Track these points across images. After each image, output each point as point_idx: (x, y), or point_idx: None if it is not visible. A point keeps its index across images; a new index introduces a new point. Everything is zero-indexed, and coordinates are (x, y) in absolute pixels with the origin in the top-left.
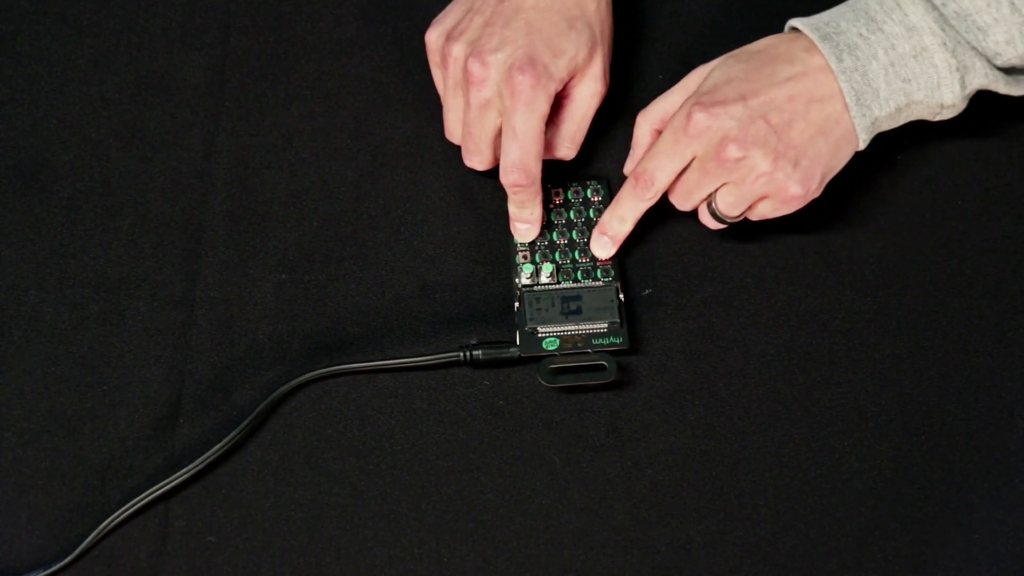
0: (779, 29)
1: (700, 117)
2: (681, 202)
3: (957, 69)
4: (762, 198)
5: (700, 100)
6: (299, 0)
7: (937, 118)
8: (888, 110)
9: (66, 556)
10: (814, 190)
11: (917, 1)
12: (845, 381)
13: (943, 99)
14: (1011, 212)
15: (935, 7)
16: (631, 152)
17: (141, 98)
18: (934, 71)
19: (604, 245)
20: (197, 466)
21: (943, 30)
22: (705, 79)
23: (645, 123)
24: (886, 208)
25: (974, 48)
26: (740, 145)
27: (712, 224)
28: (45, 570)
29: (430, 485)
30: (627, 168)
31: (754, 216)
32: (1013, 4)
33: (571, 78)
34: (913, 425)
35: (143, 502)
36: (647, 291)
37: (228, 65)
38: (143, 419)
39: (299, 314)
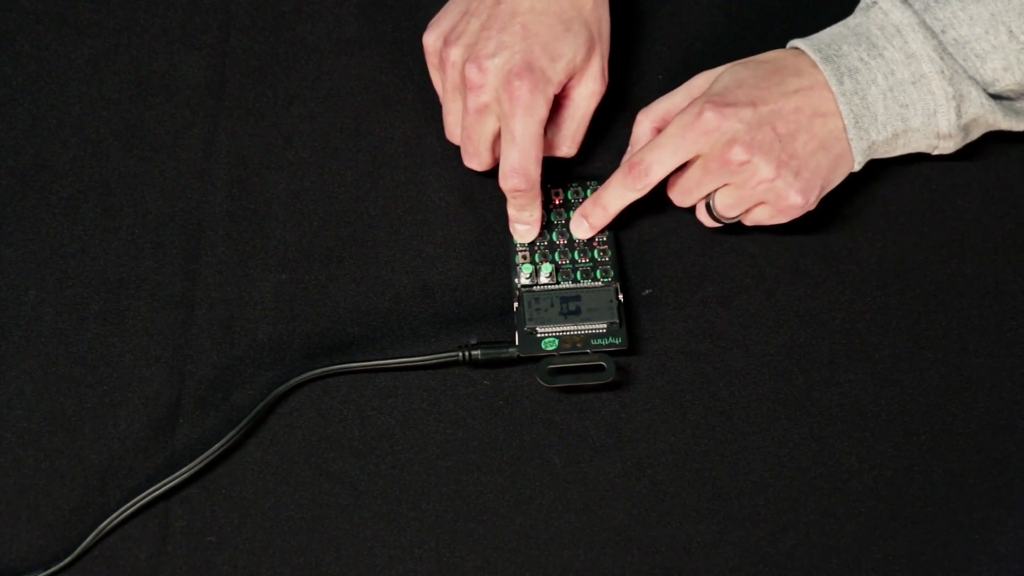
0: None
1: (710, 116)
2: (680, 198)
3: (953, 97)
4: (760, 203)
5: (712, 99)
6: (299, 0)
7: (935, 151)
8: (885, 135)
9: (66, 556)
10: (812, 202)
11: (917, 28)
12: (845, 381)
13: (939, 127)
14: (1011, 212)
15: (934, 35)
16: (629, 149)
17: (141, 98)
18: (931, 98)
19: (583, 228)
20: (197, 465)
21: (942, 59)
22: (714, 82)
23: (646, 120)
24: (886, 208)
25: (971, 77)
26: (746, 149)
27: (708, 222)
28: (45, 570)
29: (430, 485)
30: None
31: (749, 221)
32: (1011, 32)
33: (569, 79)
34: (913, 425)
35: (143, 502)
36: (647, 291)
37: (228, 65)
38: (143, 419)
39: (299, 314)
